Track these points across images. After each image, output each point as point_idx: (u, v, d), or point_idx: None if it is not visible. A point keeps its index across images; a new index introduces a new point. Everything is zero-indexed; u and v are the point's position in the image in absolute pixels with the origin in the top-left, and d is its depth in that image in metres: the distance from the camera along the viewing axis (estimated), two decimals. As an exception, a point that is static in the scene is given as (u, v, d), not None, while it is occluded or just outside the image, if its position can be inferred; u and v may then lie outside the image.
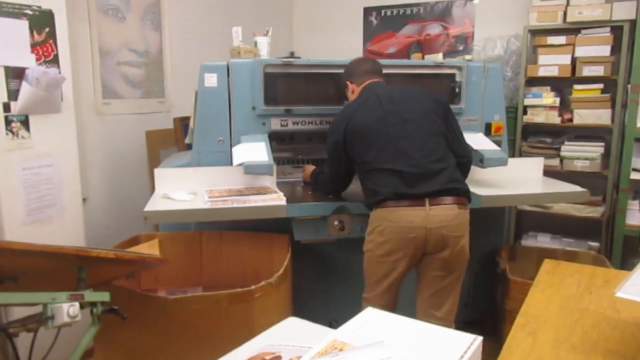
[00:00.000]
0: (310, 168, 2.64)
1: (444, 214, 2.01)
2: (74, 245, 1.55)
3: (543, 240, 3.63)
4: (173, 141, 3.42)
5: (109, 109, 3.07)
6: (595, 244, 3.53)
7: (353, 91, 2.33)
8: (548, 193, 2.55)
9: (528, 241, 3.65)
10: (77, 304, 1.47)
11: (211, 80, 2.52)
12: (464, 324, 3.01)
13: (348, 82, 2.35)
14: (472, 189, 2.50)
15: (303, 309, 2.77)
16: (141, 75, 3.27)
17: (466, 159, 2.24)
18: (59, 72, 2.37)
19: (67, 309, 1.45)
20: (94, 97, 2.97)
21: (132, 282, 2.24)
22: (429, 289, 2.15)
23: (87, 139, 2.95)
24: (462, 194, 2.09)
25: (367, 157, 2.11)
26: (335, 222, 2.34)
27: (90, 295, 1.57)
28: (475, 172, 2.66)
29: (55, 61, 2.38)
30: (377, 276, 2.16)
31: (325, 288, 2.80)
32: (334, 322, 2.87)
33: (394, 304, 2.23)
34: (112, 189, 3.14)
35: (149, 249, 1.87)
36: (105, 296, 1.63)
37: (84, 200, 2.90)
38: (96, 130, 3.01)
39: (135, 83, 3.22)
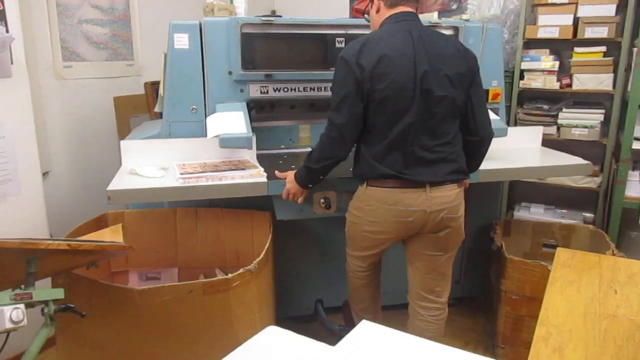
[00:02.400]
0: (290, 173, 2.04)
1: (444, 196, 1.83)
2: (18, 238, 1.32)
3: (536, 212, 3.48)
4: (144, 107, 3.16)
5: (70, 73, 2.78)
6: (590, 215, 3.40)
7: (379, 10, 1.88)
8: (550, 166, 2.37)
9: (521, 212, 3.51)
10: (22, 305, 1.27)
11: (182, 41, 2.25)
12: (455, 301, 2.89)
13: None
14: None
15: (286, 290, 2.61)
16: (106, 35, 2.97)
17: (477, 137, 1.93)
18: (6, 31, 2.09)
19: (10, 312, 1.24)
20: (52, 60, 2.68)
21: (100, 263, 2.04)
22: (421, 270, 1.99)
23: (47, 106, 2.67)
24: (462, 175, 1.90)
25: (379, 119, 1.78)
26: (321, 200, 2.14)
27: (40, 294, 1.36)
28: (470, 142, 2.47)
29: (1, 18, 2.08)
30: (361, 245, 2.02)
31: (310, 267, 2.64)
32: (319, 304, 2.73)
33: (378, 265, 2.15)
34: (78, 161, 2.89)
35: (112, 235, 1.67)
36: (58, 293, 1.42)
37: (46, 174, 2.66)
38: (57, 96, 2.73)
39: (99, 44, 2.92)
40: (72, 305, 1.45)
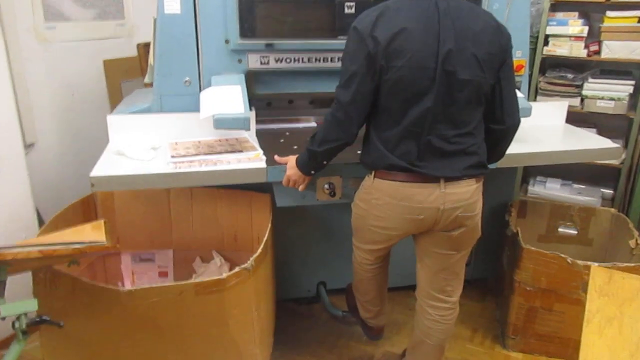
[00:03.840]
0: (291, 158, 1.83)
1: (460, 192, 1.64)
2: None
3: (552, 187, 3.31)
4: (137, 71, 2.94)
5: (54, 35, 2.55)
6: (609, 192, 3.22)
7: None
8: (576, 150, 2.16)
9: (536, 187, 3.33)
10: (-14, 327, 1.12)
11: (173, 5, 2.01)
12: (464, 283, 2.77)
13: None
14: (486, 143, 2.13)
15: (288, 273, 2.49)
16: (93, -9, 2.72)
17: (503, 126, 1.70)
18: (-25, -7, 1.86)
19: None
20: (33, 20, 2.44)
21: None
22: (431, 268, 1.83)
23: (30, 72, 2.46)
24: (482, 170, 1.69)
25: (393, 101, 1.57)
26: (325, 186, 1.96)
27: (9, 308, 1.22)
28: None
29: (-32, -22, 1.86)
30: (368, 239, 1.85)
31: (312, 248, 2.50)
32: (321, 287, 2.61)
33: (386, 258, 1.99)
34: (66, 131, 2.70)
35: (93, 231, 1.51)
36: (30, 305, 1.28)
37: (30, 146, 2.49)
38: (40, 61, 2.52)
39: (86, 1, 2.67)
40: (46, 318, 1.32)
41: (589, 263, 2.05)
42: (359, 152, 1.81)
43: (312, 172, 1.79)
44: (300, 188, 1.84)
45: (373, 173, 1.69)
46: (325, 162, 1.75)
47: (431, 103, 1.55)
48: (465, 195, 1.65)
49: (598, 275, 1.25)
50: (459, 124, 1.60)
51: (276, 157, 1.87)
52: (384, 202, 1.68)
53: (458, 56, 1.53)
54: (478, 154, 1.66)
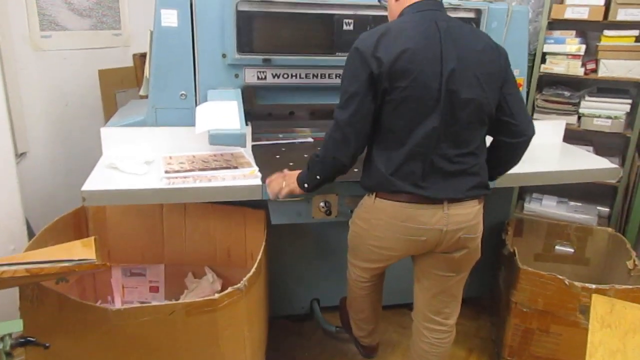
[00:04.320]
0: (293, 174, 1.79)
1: (464, 213, 1.61)
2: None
3: (548, 205, 3.29)
4: (133, 81, 2.92)
5: (49, 44, 2.52)
6: (605, 210, 3.21)
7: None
8: (573, 170, 2.15)
9: (532, 204, 3.31)
10: (-32, 350, 1.08)
11: (170, 18, 1.99)
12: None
13: None
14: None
15: (281, 289, 2.45)
16: (90, 1, 2.69)
17: (524, 137, 1.69)
18: (-32, 2, 1.83)
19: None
20: (28, 29, 2.41)
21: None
22: (430, 290, 1.80)
23: (24, 81, 2.43)
24: (484, 191, 1.68)
25: (398, 122, 1.54)
26: (321, 204, 1.94)
27: (-8, 330, 1.18)
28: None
29: (-38, -13, 1.83)
30: (364, 258, 1.82)
31: (306, 264, 2.46)
32: (315, 302, 2.57)
33: (382, 276, 1.96)
34: (58, 140, 2.67)
35: (83, 249, 1.47)
36: (15, 326, 1.24)
37: (22, 155, 2.46)
38: (34, 70, 2.49)
39: (82, 11, 2.65)
40: (32, 339, 1.28)
41: (587, 285, 2.03)
42: (355, 170, 1.79)
43: (306, 185, 1.73)
44: (281, 195, 1.77)
45: (374, 193, 1.66)
46: (317, 177, 1.70)
47: (437, 123, 1.53)
48: (468, 216, 1.62)
49: (599, 304, 1.23)
50: (461, 143, 1.59)
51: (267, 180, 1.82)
52: (385, 223, 1.64)
53: (460, 75, 1.52)
54: (480, 174, 1.64)
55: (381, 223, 1.65)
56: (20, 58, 2.40)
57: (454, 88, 1.52)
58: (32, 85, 2.49)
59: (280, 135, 2.34)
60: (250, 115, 2.21)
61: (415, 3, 1.59)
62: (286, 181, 1.76)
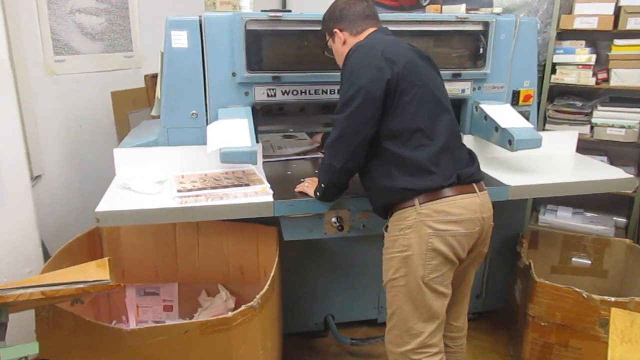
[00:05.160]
0: (313, 183, 1.85)
1: (487, 201, 1.66)
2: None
3: (563, 216, 3.25)
4: (145, 102, 2.95)
5: (63, 67, 2.57)
6: (622, 221, 3.16)
7: (345, 42, 1.74)
8: (588, 181, 2.12)
9: (546, 216, 3.27)
10: (-15, 373, 1.09)
11: (180, 39, 2.02)
12: (475, 315, 2.71)
13: (337, 30, 1.75)
14: (495, 174, 2.11)
15: (295, 306, 2.44)
16: (102, 25, 2.74)
17: None
18: (-15, 30, 1.88)
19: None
20: (42, 54, 2.47)
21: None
22: (459, 294, 1.80)
23: (38, 104, 2.47)
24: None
25: (422, 120, 1.58)
26: (333, 219, 1.93)
27: (9, 352, 1.19)
28: (497, 150, 2.25)
29: (-21, 14, 1.87)
30: (422, 311, 1.61)
31: (319, 281, 2.45)
32: (329, 316, 2.55)
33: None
34: (73, 163, 2.70)
35: (97, 270, 1.48)
36: (31, 348, 1.25)
37: (38, 177, 2.49)
38: (49, 93, 2.53)
39: (95, 35, 2.70)
40: (47, 361, 1.27)
41: (605, 298, 1.99)
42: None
43: (317, 193, 1.78)
44: (296, 189, 1.89)
45: (416, 201, 1.57)
46: (323, 185, 1.74)
47: (449, 115, 1.67)
48: (490, 204, 1.67)
49: (619, 319, 1.20)
50: (456, 129, 1.71)
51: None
52: (441, 226, 1.55)
53: (423, 70, 1.66)
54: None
55: (439, 227, 1.55)
56: (34, 82, 2.45)
57: (429, 82, 1.65)
58: (47, 109, 2.53)
59: (291, 130, 2.39)
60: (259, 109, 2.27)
61: (369, 36, 1.71)
62: (309, 183, 1.85)
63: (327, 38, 1.83)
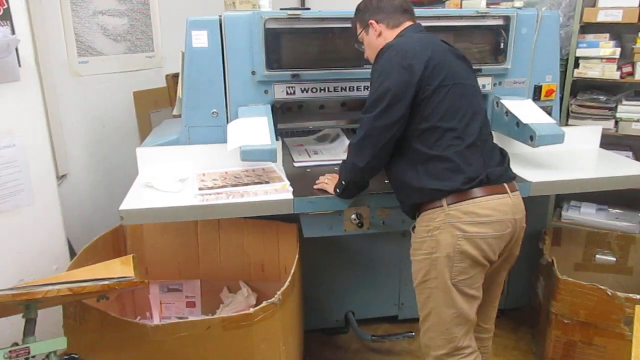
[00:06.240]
0: (333, 179, 1.87)
1: (520, 202, 1.63)
2: (14, 287, 1.18)
3: (587, 212, 3.19)
4: (166, 101, 2.99)
5: (86, 69, 2.62)
6: (647, 217, 3.09)
7: (381, 34, 1.71)
8: (611, 177, 2.09)
9: (570, 212, 3.22)
10: (16, 367, 1.13)
11: (200, 39, 2.04)
12: (498, 313, 2.67)
13: (372, 21, 1.70)
14: (517, 170, 2.08)
15: (315, 303, 2.45)
16: (124, 26, 2.79)
17: None
18: (12, 33, 1.92)
19: (1, 376, 1.10)
20: (67, 56, 2.52)
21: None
22: (490, 296, 1.78)
23: (63, 105, 2.53)
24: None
25: (453, 120, 1.56)
26: (352, 216, 1.94)
27: (38, 347, 1.23)
28: (518, 146, 2.22)
29: (6, 18, 1.92)
30: (453, 314, 1.59)
31: (339, 278, 2.46)
32: (350, 313, 2.56)
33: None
34: (97, 162, 2.76)
35: (122, 267, 1.52)
36: (60, 343, 1.28)
37: (63, 177, 2.54)
38: (73, 94, 2.58)
39: (117, 36, 2.75)
40: (76, 356, 1.32)
41: (630, 295, 1.96)
42: (386, 181, 1.79)
43: (337, 190, 1.80)
44: (316, 186, 1.90)
45: (444, 202, 1.54)
46: (343, 182, 1.76)
47: (480, 114, 1.64)
48: (522, 205, 1.63)
49: (643, 314, 1.18)
50: (489, 130, 1.69)
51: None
52: (470, 227, 1.52)
53: (459, 69, 1.64)
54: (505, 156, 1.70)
55: (468, 228, 1.53)
56: (59, 84, 2.50)
57: (473, 82, 1.69)
58: (71, 110, 2.59)
59: (310, 127, 2.42)
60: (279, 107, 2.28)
61: (404, 30, 1.68)
62: (329, 180, 1.85)
63: (359, 30, 1.78)
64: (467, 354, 1.62)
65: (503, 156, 1.69)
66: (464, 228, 1.52)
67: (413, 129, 1.58)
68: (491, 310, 1.82)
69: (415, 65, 1.53)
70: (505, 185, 1.58)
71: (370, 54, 1.76)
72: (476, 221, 1.52)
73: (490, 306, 1.81)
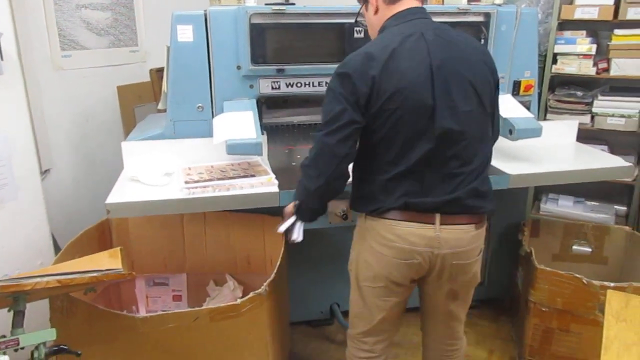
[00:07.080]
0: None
1: (456, 238, 1.49)
2: (1, 279, 1.19)
3: (565, 205, 3.28)
4: (150, 96, 2.99)
5: (69, 63, 2.60)
6: (622, 209, 3.19)
7: (377, 10, 1.55)
8: (587, 169, 2.16)
9: (548, 205, 3.30)
10: (5, 358, 1.14)
11: (185, 33, 2.06)
12: (478, 303, 2.75)
13: None
14: (496, 163, 2.14)
15: (301, 294, 2.48)
16: (107, 20, 2.77)
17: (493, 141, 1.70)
18: (-6, 27, 1.91)
19: (-8, 366, 1.12)
20: (50, 50, 2.50)
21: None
22: (432, 318, 1.75)
23: (46, 99, 2.51)
24: (486, 213, 1.55)
25: (391, 150, 1.46)
26: (338, 210, 1.97)
27: (28, 338, 1.24)
28: (499, 138, 2.27)
29: (-12, 12, 1.91)
30: (368, 307, 1.66)
31: (324, 270, 2.49)
32: (335, 305, 2.60)
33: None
34: (80, 157, 2.75)
35: (109, 259, 1.53)
36: (49, 334, 1.29)
37: (47, 171, 2.53)
38: (56, 88, 2.57)
39: (100, 30, 2.73)
40: (65, 347, 1.33)
41: (605, 283, 2.03)
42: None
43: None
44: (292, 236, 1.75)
45: (365, 214, 1.58)
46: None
47: (432, 143, 1.44)
48: (461, 242, 1.50)
49: (615, 299, 1.24)
50: (465, 158, 1.49)
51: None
52: (375, 244, 1.54)
53: (456, 87, 1.44)
54: (481, 180, 1.52)
55: (373, 244, 1.55)
56: (42, 78, 2.48)
57: (451, 103, 1.44)
58: (54, 104, 2.57)
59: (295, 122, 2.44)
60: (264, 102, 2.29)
61: (397, 14, 1.51)
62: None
63: (361, 5, 1.64)
64: (366, 349, 1.73)
65: (459, 187, 1.48)
66: (369, 241, 1.57)
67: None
68: (448, 330, 1.74)
69: (365, 72, 1.41)
70: (437, 216, 1.47)
71: (371, 32, 1.64)
72: (379, 241, 1.53)
73: (441, 324, 1.73)
